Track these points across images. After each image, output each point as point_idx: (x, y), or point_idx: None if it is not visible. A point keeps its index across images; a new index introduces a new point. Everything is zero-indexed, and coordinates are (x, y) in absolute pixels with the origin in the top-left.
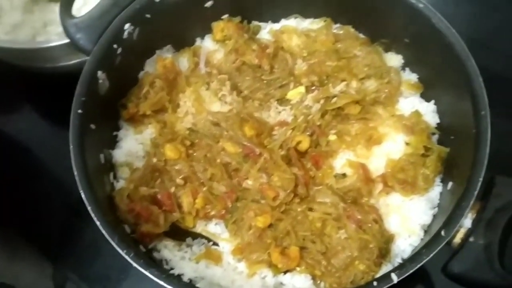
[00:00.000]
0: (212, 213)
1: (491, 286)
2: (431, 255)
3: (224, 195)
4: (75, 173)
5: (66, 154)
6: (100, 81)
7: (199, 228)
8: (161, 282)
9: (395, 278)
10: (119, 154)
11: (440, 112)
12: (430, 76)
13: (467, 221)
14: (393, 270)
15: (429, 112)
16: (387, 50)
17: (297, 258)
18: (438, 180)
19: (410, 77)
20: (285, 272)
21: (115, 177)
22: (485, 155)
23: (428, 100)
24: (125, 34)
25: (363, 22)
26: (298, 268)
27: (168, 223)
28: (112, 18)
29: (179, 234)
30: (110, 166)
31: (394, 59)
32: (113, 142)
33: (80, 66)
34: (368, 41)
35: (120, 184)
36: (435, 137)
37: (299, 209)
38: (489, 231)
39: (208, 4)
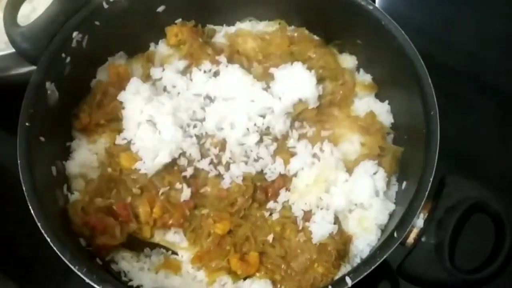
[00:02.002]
0: (170, 221)
1: (443, 284)
2: (385, 256)
3: (182, 203)
4: (24, 188)
5: None
6: (49, 92)
7: (157, 237)
8: None
9: (349, 282)
10: (72, 166)
11: (394, 112)
12: (383, 76)
13: (419, 221)
14: (348, 273)
15: (383, 112)
16: (341, 51)
17: (256, 264)
18: (393, 179)
19: (364, 78)
20: (244, 278)
21: (69, 189)
22: (434, 156)
23: (382, 100)
24: (74, 43)
25: (316, 23)
26: (257, 274)
27: (125, 234)
28: (59, 26)
29: (137, 244)
30: (63, 178)
31: (348, 60)
32: (65, 153)
33: (31, 75)
34: (323, 42)
35: (74, 197)
36: (390, 137)
37: (258, 214)
38: (440, 230)
39: (160, 9)
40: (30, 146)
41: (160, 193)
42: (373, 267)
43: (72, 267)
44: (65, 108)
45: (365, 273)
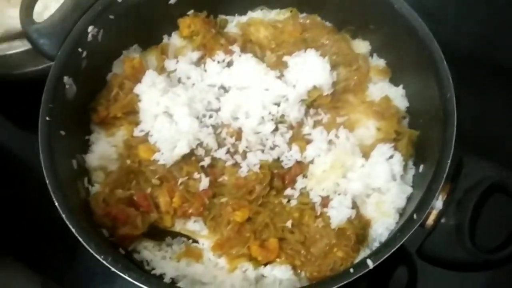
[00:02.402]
0: (190, 211)
1: (464, 265)
2: (405, 238)
3: (201, 192)
4: (47, 181)
5: None
6: (67, 86)
7: (178, 226)
8: (141, 285)
9: (370, 264)
10: (92, 159)
11: (409, 96)
12: (397, 61)
13: (438, 203)
14: (369, 256)
15: (398, 97)
16: (354, 37)
17: (276, 250)
18: (410, 163)
19: (378, 62)
20: (265, 264)
21: (89, 182)
22: (452, 137)
23: (396, 85)
24: (89, 37)
25: (328, 10)
26: (278, 260)
27: (146, 224)
28: (74, 21)
29: (158, 234)
30: (84, 171)
31: (361, 46)
32: (85, 147)
33: (48, 70)
34: (335, 29)
35: (95, 189)
36: (405, 121)
37: (276, 201)
38: (460, 211)
39: (172, 1)
40: (51, 140)
41: (179, 183)
42: (393, 250)
43: (98, 256)
44: (83, 102)
45: (386, 256)
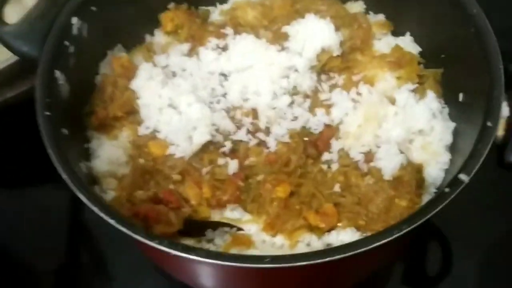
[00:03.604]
0: (225, 198)
1: None
2: (488, 146)
3: (231, 176)
4: (68, 181)
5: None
6: (60, 81)
7: (215, 218)
8: (213, 261)
9: (465, 178)
10: (100, 164)
11: (419, 41)
12: (396, 12)
13: (504, 110)
14: (459, 172)
15: (408, 44)
16: (345, 1)
17: (335, 214)
18: (442, 102)
19: (377, 18)
20: (328, 232)
21: (101, 190)
22: (494, 44)
23: (403, 35)
24: (74, 30)
25: None
26: (339, 224)
27: (181, 219)
28: (53, 17)
29: (196, 229)
30: (92, 180)
31: (355, 7)
32: (87, 155)
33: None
34: None
35: (109, 196)
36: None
37: (315, 170)
38: None
39: None
40: (56, 136)
41: (204, 173)
42: (482, 159)
43: (151, 243)
44: (76, 107)
45: (477, 167)
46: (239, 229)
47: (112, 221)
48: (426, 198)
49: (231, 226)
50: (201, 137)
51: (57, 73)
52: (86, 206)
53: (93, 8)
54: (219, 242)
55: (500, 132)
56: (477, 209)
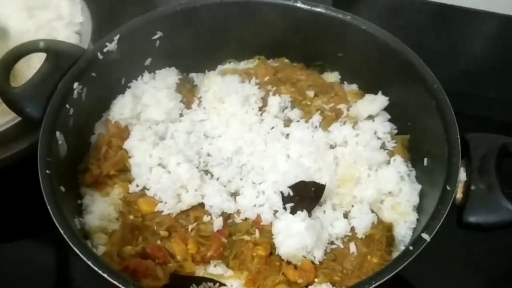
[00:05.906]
0: (209, 254)
1: (508, 222)
2: (447, 209)
3: (216, 233)
4: (62, 231)
5: None
6: (60, 142)
7: (199, 274)
8: None
9: (427, 237)
10: (92, 220)
11: (388, 109)
12: (367, 83)
13: (461, 175)
14: (422, 231)
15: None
16: (321, 72)
17: (312, 269)
18: (409, 165)
19: (351, 87)
20: (305, 287)
21: (91, 245)
22: (452, 116)
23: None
24: (75, 94)
25: (294, 51)
26: (316, 280)
27: (167, 274)
28: (56, 81)
29: (181, 284)
30: (84, 235)
31: (331, 77)
32: (80, 211)
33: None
34: (304, 66)
35: (100, 251)
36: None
37: None
38: (484, 175)
39: (148, 62)
40: (55, 193)
41: (189, 230)
42: (442, 219)
43: None
44: (71, 165)
45: (437, 226)
46: (222, 284)
47: (105, 275)
48: (395, 255)
49: (214, 281)
50: (191, 198)
51: (58, 134)
52: (70, 264)
53: (93, 74)
54: None
55: (459, 194)
56: (446, 263)
